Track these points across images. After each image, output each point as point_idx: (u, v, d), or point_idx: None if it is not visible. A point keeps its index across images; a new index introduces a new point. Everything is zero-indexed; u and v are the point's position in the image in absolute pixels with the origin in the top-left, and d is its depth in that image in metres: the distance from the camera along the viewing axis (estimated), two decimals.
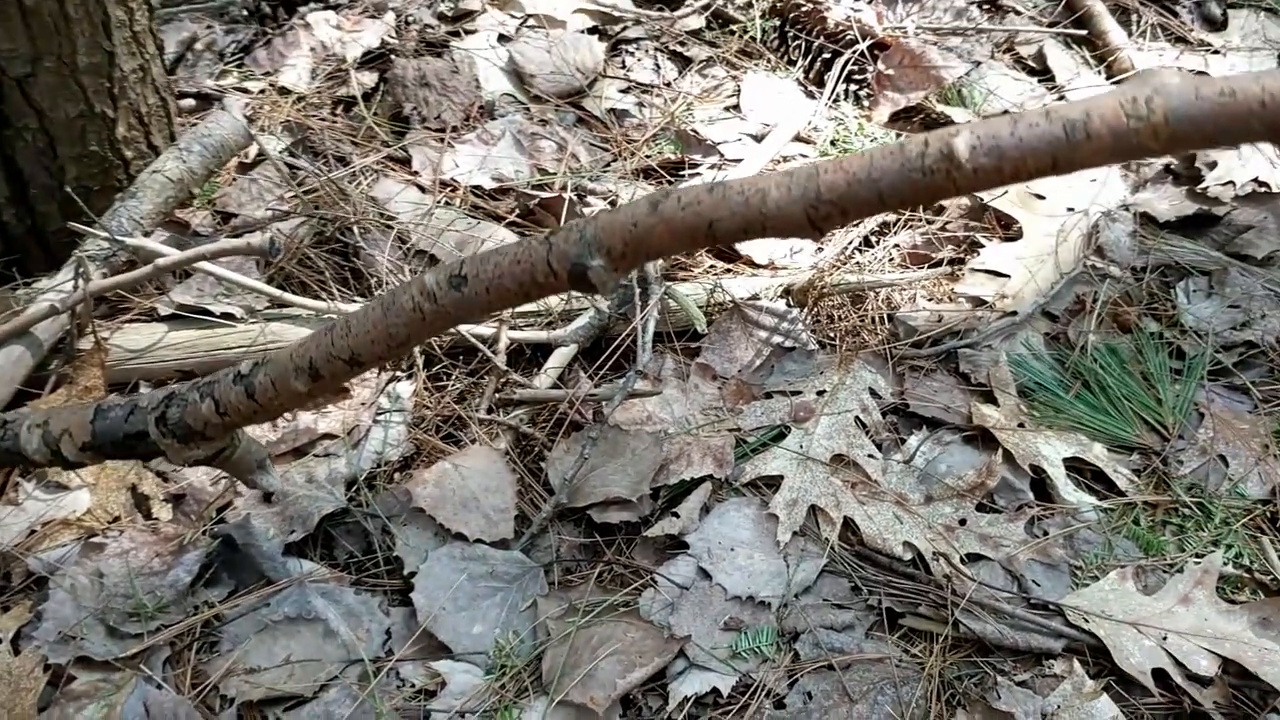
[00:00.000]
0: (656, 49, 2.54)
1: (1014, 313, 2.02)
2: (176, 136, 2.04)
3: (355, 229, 1.93)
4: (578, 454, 1.70)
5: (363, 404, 1.78)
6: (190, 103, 2.36)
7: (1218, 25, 2.69)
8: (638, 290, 1.86)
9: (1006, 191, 2.18)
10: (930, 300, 2.06)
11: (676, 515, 1.68)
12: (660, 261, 1.95)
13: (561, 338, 1.85)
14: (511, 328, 1.84)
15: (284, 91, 2.37)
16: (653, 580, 1.62)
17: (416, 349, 1.81)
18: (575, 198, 2.09)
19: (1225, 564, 1.70)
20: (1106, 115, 0.74)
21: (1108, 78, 2.54)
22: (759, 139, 2.26)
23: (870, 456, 1.78)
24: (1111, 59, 2.55)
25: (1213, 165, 2.30)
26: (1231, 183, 2.28)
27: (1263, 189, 2.28)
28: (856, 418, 1.84)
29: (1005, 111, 2.39)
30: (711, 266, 2.08)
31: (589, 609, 1.57)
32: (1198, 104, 0.72)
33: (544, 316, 1.90)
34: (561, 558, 1.66)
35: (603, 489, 1.70)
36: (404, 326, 0.91)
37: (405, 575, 1.59)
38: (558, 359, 1.84)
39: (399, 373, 1.82)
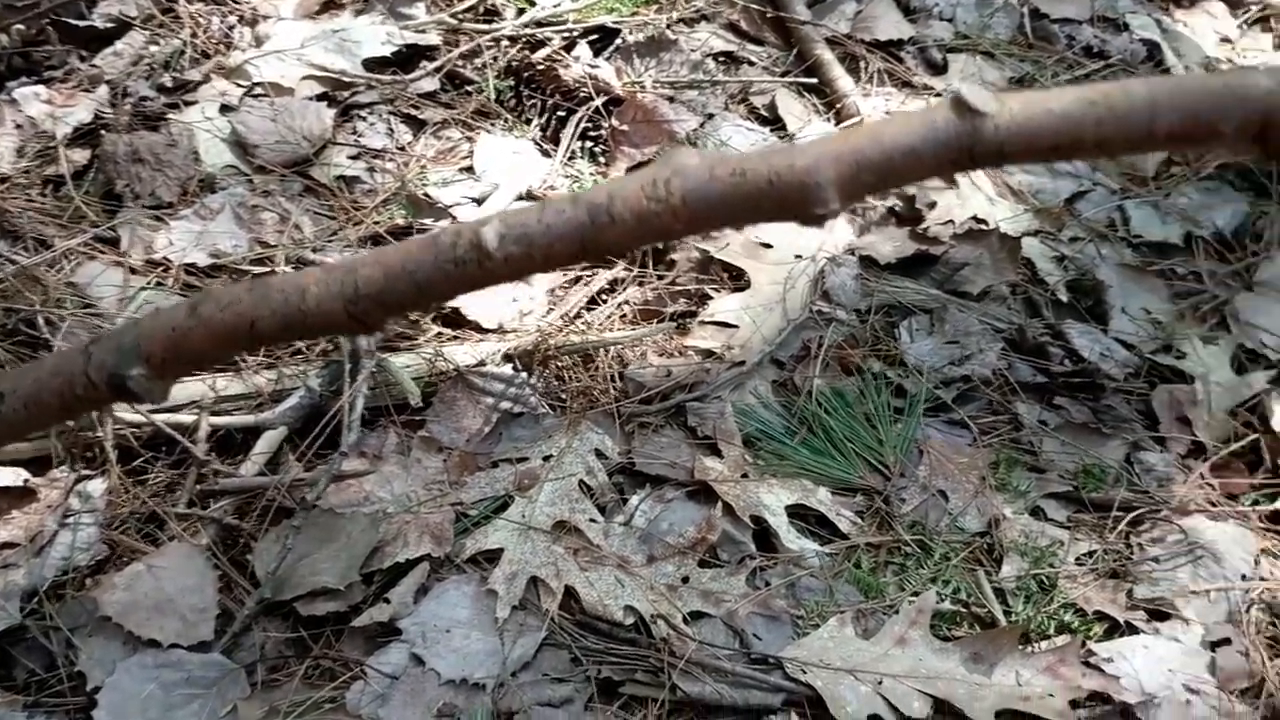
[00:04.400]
0: (390, 113, 2.49)
1: (742, 362, 2.04)
2: None
3: (40, 319, 1.81)
4: (283, 544, 1.62)
5: (50, 506, 1.67)
6: None
7: (939, 69, 2.80)
8: (348, 365, 1.80)
9: (728, 243, 2.20)
10: (660, 355, 2.06)
11: (388, 600, 1.62)
12: (377, 334, 1.89)
13: (270, 420, 1.78)
14: (214, 413, 1.76)
15: None
16: (362, 672, 1.55)
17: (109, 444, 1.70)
18: (293, 270, 2.02)
19: (942, 600, 1.73)
20: (629, 199, 0.73)
21: (837, 123, 2.61)
22: (481, 201, 2.24)
23: (592, 521, 1.76)
24: (840, 105, 2.63)
25: (932, 205, 2.38)
26: (951, 221, 2.36)
27: (980, 225, 2.37)
28: (581, 481, 1.81)
29: None
30: (439, 334, 2.03)
31: (292, 709, 1.50)
32: (711, 184, 0.72)
33: (253, 399, 1.82)
34: (266, 656, 1.57)
35: (311, 579, 1.62)
36: None
37: (89, 691, 1.48)
38: (265, 443, 1.76)
39: (89, 470, 1.71)
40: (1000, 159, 0.69)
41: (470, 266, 0.74)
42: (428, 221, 2.24)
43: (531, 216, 0.73)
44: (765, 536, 1.80)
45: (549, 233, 0.73)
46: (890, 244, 2.31)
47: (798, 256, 2.27)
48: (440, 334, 2.03)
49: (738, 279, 2.22)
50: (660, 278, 2.19)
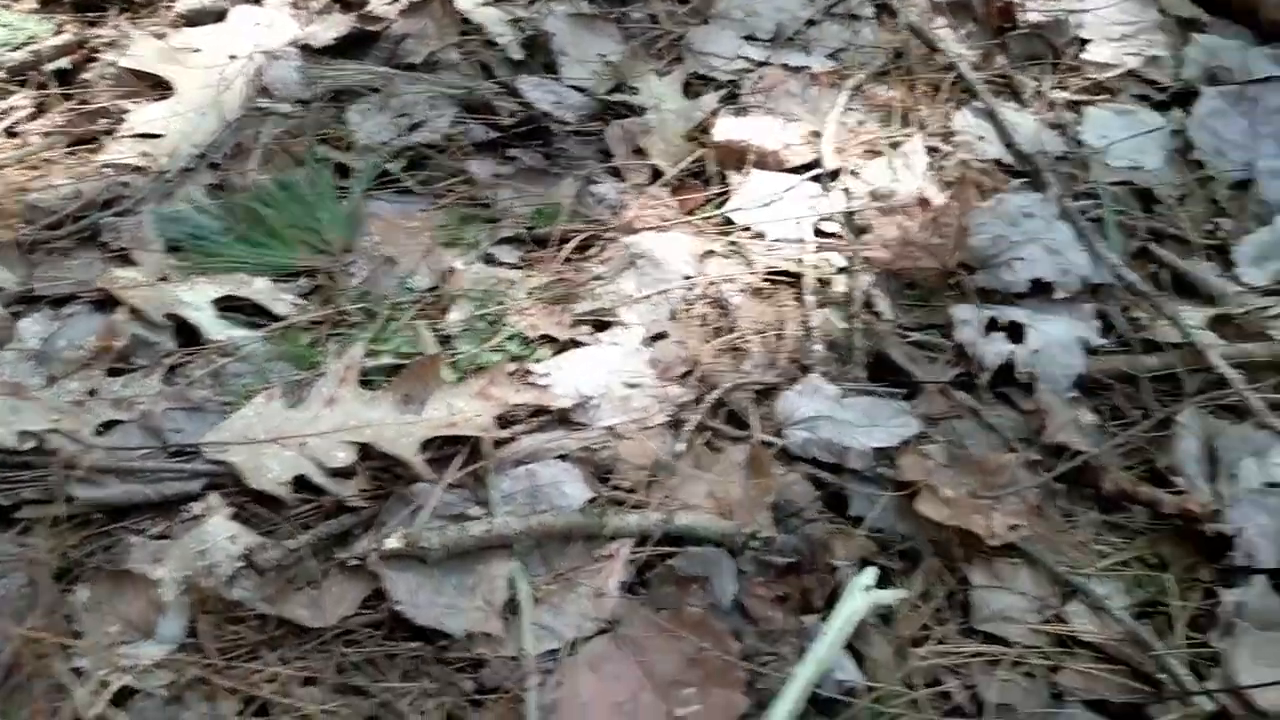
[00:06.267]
0: None
1: (166, 171, 1.89)
2: None
3: None
4: None
5: None
6: None
7: None
8: None
9: (129, 48, 2.03)
10: (72, 178, 1.88)
11: None
12: None
13: None
14: None
15: None
16: None
17: None
18: None
19: (379, 357, 1.67)
20: None
21: None
22: None
23: None
24: None
25: None
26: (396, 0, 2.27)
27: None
28: None
29: None
30: None
31: None
32: None
33: None
34: None
35: None
36: None
37: None
38: None
39: None
40: None
41: None
42: None
43: None
44: (193, 335, 1.69)
45: None
46: (333, 31, 2.20)
47: (232, 56, 2.12)
48: None
49: (167, 89, 2.05)
50: (68, 98, 1.99)
